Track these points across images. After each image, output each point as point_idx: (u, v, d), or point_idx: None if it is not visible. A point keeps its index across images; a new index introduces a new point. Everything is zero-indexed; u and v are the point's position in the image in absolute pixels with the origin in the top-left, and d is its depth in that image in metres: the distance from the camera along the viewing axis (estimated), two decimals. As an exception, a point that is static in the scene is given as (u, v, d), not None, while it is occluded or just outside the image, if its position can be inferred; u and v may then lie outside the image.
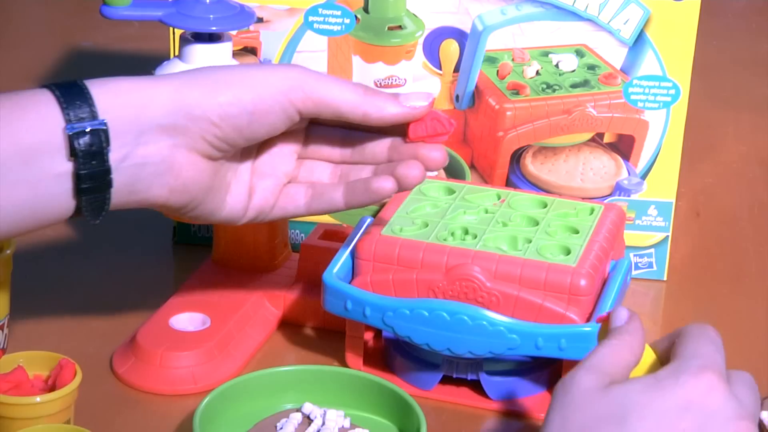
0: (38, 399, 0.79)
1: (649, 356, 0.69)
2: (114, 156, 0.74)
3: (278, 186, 0.82)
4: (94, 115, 0.73)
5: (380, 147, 0.82)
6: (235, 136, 0.77)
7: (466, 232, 0.91)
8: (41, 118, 0.74)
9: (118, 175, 0.75)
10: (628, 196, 1.05)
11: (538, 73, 1.04)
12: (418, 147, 0.81)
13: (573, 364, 0.87)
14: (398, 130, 0.82)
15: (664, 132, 1.04)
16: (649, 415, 0.62)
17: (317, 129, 0.84)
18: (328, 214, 0.95)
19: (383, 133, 0.82)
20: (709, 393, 0.62)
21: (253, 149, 0.82)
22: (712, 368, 0.64)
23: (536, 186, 1.06)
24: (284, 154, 0.83)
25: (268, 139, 0.81)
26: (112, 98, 0.74)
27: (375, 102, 0.79)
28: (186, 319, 0.95)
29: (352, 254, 0.91)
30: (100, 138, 0.73)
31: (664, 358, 0.68)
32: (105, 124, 0.73)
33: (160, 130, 0.75)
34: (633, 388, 0.63)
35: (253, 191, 0.81)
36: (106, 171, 0.74)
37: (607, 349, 0.67)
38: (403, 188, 0.81)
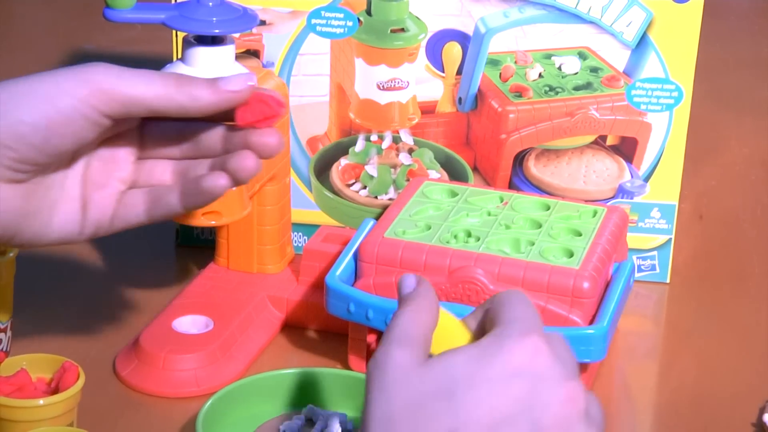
0: (41, 402, 0.79)
1: (457, 328, 0.63)
2: None
3: (115, 195, 0.75)
4: None
5: (214, 137, 0.75)
6: (34, 155, 0.70)
7: (469, 235, 0.91)
8: None
9: None
10: (631, 198, 1.05)
11: (540, 75, 1.04)
12: (249, 134, 0.74)
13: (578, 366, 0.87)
14: (231, 116, 0.74)
15: (666, 134, 1.03)
16: (478, 385, 0.57)
17: (152, 125, 0.76)
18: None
19: (215, 121, 0.75)
20: (536, 357, 0.59)
21: (80, 159, 0.75)
22: (535, 331, 0.59)
23: (539, 188, 1.06)
24: (119, 159, 0.75)
25: (99, 145, 0.75)
26: None
27: (188, 91, 0.72)
28: (189, 322, 0.95)
29: (355, 257, 0.91)
30: None
31: (479, 332, 0.63)
32: None
33: None
34: (457, 360, 0.58)
35: (88, 204, 0.74)
36: None
37: (408, 317, 0.61)
38: (237, 182, 0.74)
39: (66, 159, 0.73)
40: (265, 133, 0.74)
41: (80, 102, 0.70)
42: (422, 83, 1.05)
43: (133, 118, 0.75)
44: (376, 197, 1.07)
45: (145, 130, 0.77)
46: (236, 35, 1.02)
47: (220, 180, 0.73)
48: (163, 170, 0.76)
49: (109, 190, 0.75)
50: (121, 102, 0.71)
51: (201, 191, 0.73)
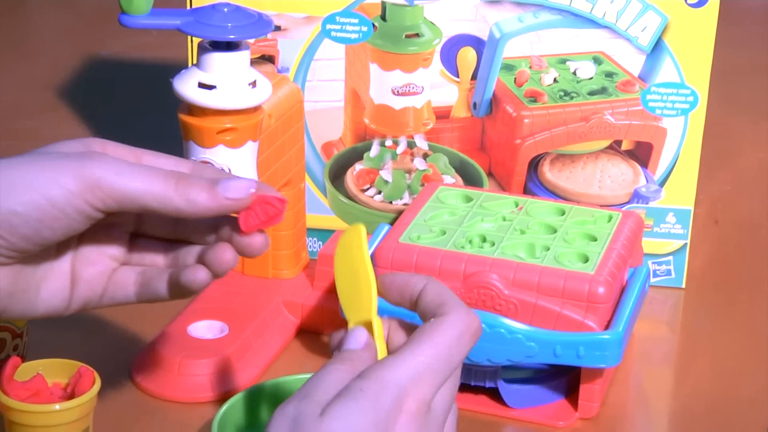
0: (57, 407, 0.79)
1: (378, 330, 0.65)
2: None
3: (106, 272, 0.73)
4: None
5: (206, 223, 0.72)
6: (24, 244, 0.68)
7: (484, 240, 0.91)
8: None
9: None
10: (647, 203, 1.05)
11: (555, 80, 1.04)
12: (236, 232, 0.71)
13: (591, 371, 0.87)
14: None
15: (682, 139, 1.03)
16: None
17: None
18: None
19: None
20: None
21: (71, 238, 0.72)
22: (414, 397, 0.61)
23: (554, 193, 1.06)
24: (113, 238, 0.73)
25: (91, 226, 0.71)
26: None
27: (187, 194, 0.69)
28: (204, 327, 0.95)
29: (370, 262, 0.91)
30: None
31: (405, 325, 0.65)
32: None
33: None
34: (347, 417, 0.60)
35: (76, 281, 0.72)
36: None
37: (330, 377, 0.62)
38: (215, 276, 0.71)
39: (56, 243, 0.72)
40: (255, 234, 0.71)
41: (74, 196, 0.68)
42: (437, 88, 1.05)
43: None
44: (390, 202, 1.07)
45: (138, 215, 0.75)
46: (251, 41, 1.02)
47: (199, 274, 0.70)
48: (156, 250, 0.74)
49: (100, 268, 0.73)
50: (117, 200, 0.68)
51: (180, 285, 0.71)
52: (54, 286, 0.72)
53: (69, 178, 0.67)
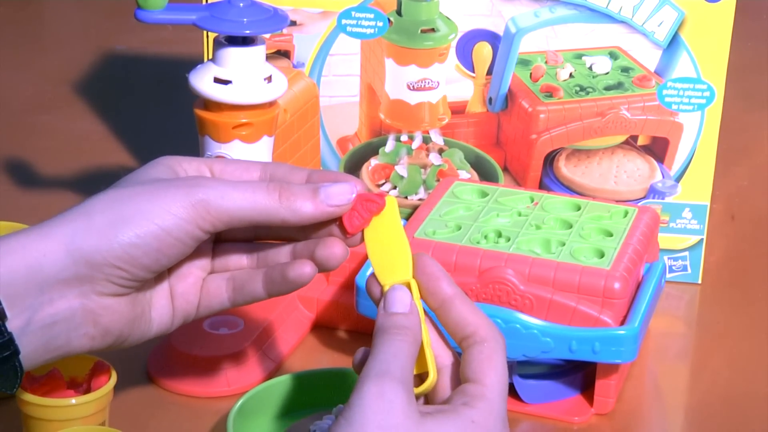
0: (73, 401, 0.79)
1: (421, 361, 0.68)
2: (15, 323, 0.68)
3: (198, 283, 0.76)
4: None
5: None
6: (143, 273, 0.71)
7: (500, 235, 0.91)
8: None
9: (26, 340, 0.69)
10: (663, 198, 1.05)
11: (571, 75, 1.04)
12: (341, 231, 0.73)
13: (607, 367, 0.87)
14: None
15: (698, 134, 1.03)
16: None
17: None
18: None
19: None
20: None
21: None
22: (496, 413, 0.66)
23: (569, 189, 1.05)
24: (200, 249, 0.75)
25: None
26: None
27: (291, 206, 0.71)
28: (220, 322, 0.95)
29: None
30: None
31: (455, 368, 0.69)
32: None
33: (63, 284, 0.69)
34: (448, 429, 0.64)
35: (174, 296, 0.75)
36: (8, 342, 0.68)
37: (407, 351, 0.66)
38: (324, 270, 0.74)
39: None
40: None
41: (187, 223, 0.70)
42: (452, 83, 1.05)
43: None
44: (406, 197, 1.07)
45: None
46: (267, 36, 1.02)
47: (307, 269, 0.73)
48: (238, 254, 0.76)
49: (191, 280, 0.75)
50: (226, 221, 0.71)
51: (287, 280, 0.73)
52: (160, 304, 0.74)
53: (179, 206, 0.70)
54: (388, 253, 0.69)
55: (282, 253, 0.75)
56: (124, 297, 0.72)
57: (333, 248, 0.72)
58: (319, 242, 0.73)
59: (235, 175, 0.74)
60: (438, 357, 0.69)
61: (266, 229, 0.75)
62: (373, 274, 0.69)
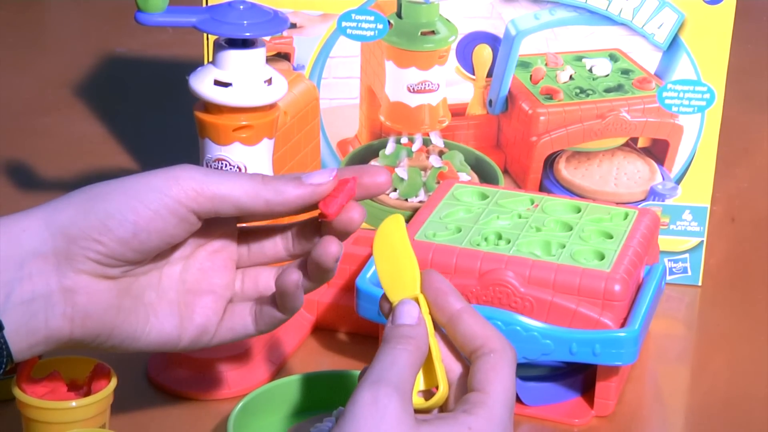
0: (74, 404, 0.79)
1: (429, 371, 0.68)
2: None
3: (221, 303, 0.75)
4: None
5: (307, 235, 0.76)
6: (123, 250, 0.70)
7: (500, 237, 0.91)
8: None
9: (7, 317, 0.68)
10: (663, 200, 1.05)
11: (571, 77, 1.04)
12: (322, 219, 0.73)
13: (607, 369, 0.87)
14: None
15: (698, 136, 1.03)
16: None
17: (249, 236, 0.77)
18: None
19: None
20: None
21: (175, 262, 0.75)
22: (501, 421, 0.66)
23: (570, 191, 1.05)
24: (218, 266, 0.75)
25: (194, 250, 0.75)
26: None
27: (274, 187, 0.72)
28: (220, 324, 0.95)
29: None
30: None
31: (463, 377, 0.68)
32: None
33: (41, 259, 0.69)
34: None
35: (188, 310, 0.74)
36: None
37: (407, 360, 0.65)
38: (325, 270, 0.74)
39: (158, 258, 0.74)
40: (350, 207, 0.73)
41: (169, 198, 0.70)
42: (452, 85, 1.05)
43: (228, 226, 0.75)
44: (406, 200, 1.07)
45: (243, 240, 0.77)
46: (267, 38, 1.02)
47: (292, 276, 0.72)
48: (267, 277, 0.76)
49: (211, 297, 0.75)
50: (209, 198, 0.71)
51: (279, 294, 0.73)
52: (162, 312, 0.74)
53: (161, 181, 0.70)
54: (397, 270, 0.69)
55: (294, 264, 0.75)
56: (109, 282, 0.71)
57: (328, 246, 0.72)
58: (315, 244, 0.73)
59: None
60: (450, 372, 0.69)
61: (282, 247, 0.76)
62: (384, 294, 0.70)
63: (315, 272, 0.74)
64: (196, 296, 0.74)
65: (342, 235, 0.73)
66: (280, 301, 0.74)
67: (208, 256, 0.75)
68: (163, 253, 0.73)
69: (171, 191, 0.70)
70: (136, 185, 0.71)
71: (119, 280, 0.72)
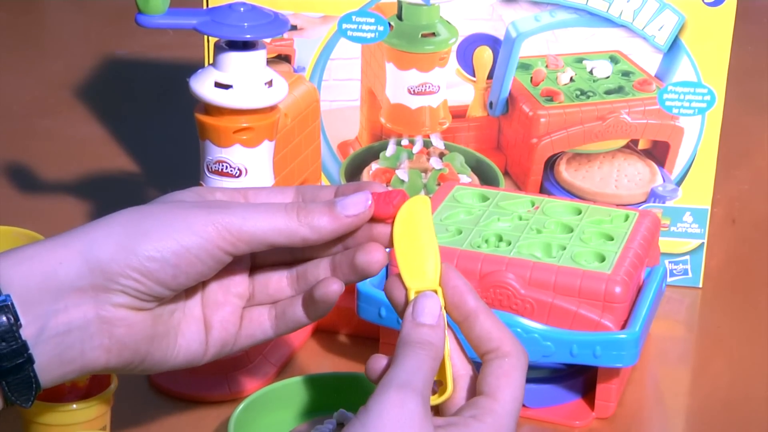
0: (74, 406, 0.79)
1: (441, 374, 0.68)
2: (29, 331, 0.67)
3: (237, 312, 0.74)
4: None
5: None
6: (160, 289, 0.70)
7: (500, 239, 0.91)
8: None
9: (40, 349, 0.68)
10: (663, 202, 1.05)
11: (572, 79, 1.04)
12: (372, 224, 0.71)
13: (608, 371, 0.87)
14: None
15: (699, 138, 1.03)
16: None
17: None
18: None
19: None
20: None
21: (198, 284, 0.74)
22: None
23: (570, 193, 1.05)
24: (233, 276, 0.75)
25: None
26: (14, 267, 0.68)
27: (310, 222, 0.70)
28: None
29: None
30: (6, 315, 0.66)
31: (473, 381, 0.69)
32: (9, 298, 0.66)
33: (78, 292, 0.68)
34: None
35: (209, 325, 0.74)
36: (22, 347, 0.67)
37: (429, 365, 0.66)
38: (364, 277, 0.72)
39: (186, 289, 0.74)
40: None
41: (209, 243, 0.70)
42: (453, 87, 1.05)
43: None
44: (407, 202, 1.07)
45: None
46: (267, 40, 1.02)
47: (333, 286, 0.72)
48: (278, 279, 0.75)
49: (228, 308, 0.74)
50: (247, 242, 0.70)
51: (316, 301, 0.72)
52: (189, 330, 0.73)
53: (201, 225, 0.70)
54: (418, 256, 0.68)
55: (321, 267, 0.74)
56: (143, 312, 0.71)
57: (372, 253, 0.71)
58: (358, 249, 0.72)
59: (270, 197, 0.74)
60: (454, 368, 0.69)
61: (299, 250, 0.75)
62: (397, 275, 0.68)
63: (350, 276, 0.73)
64: (216, 309, 0.74)
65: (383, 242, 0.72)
66: (312, 308, 0.73)
67: (225, 270, 0.74)
68: None
69: (210, 236, 0.70)
70: (175, 222, 0.70)
71: (153, 311, 0.72)
